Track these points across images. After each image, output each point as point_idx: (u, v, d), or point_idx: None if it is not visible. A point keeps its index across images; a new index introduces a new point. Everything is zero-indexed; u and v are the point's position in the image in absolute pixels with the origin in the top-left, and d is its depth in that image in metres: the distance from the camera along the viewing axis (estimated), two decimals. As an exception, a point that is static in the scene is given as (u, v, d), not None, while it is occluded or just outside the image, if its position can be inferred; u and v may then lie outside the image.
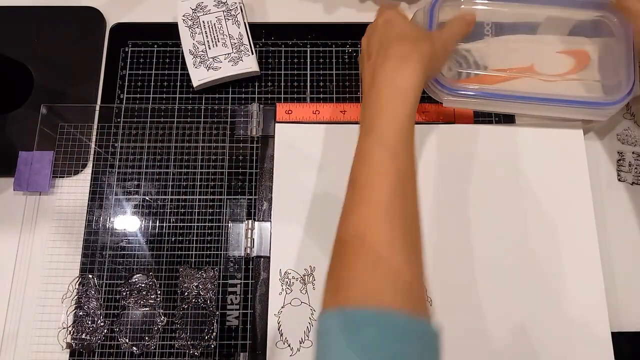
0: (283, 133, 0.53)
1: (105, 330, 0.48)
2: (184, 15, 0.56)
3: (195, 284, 0.49)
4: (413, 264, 0.36)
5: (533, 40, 0.50)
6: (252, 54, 0.55)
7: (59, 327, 0.48)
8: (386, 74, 0.42)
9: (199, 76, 0.54)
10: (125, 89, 0.56)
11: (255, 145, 0.53)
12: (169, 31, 0.57)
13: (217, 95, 0.55)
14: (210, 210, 0.51)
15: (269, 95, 0.55)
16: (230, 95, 0.55)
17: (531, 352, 0.46)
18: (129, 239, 0.51)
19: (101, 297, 0.49)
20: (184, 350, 0.47)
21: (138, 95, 0.55)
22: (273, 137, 0.53)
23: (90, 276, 0.49)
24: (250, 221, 0.51)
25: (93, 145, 0.54)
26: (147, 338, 0.48)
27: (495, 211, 0.50)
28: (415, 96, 0.41)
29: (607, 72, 0.48)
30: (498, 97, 0.48)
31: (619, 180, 0.52)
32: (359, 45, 0.57)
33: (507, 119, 0.53)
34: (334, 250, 0.38)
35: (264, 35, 0.58)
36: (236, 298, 0.49)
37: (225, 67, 0.54)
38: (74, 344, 0.47)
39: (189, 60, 0.54)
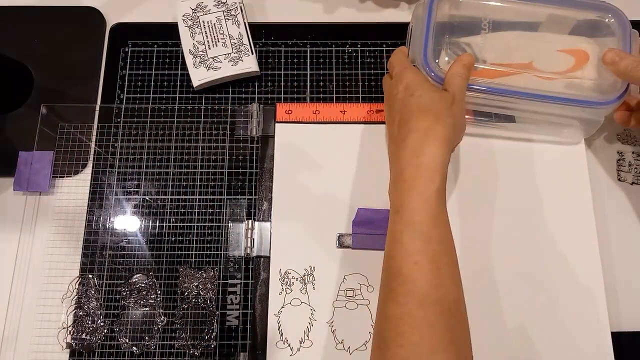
0: (283, 133, 0.53)
1: (105, 330, 0.48)
2: (184, 15, 0.56)
3: (195, 284, 0.49)
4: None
5: (533, 38, 0.50)
6: (252, 54, 0.55)
7: (59, 327, 0.48)
8: (409, 152, 0.41)
9: (199, 76, 0.54)
10: (125, 89, 0.56)
11: (255, 145, 0.53)
12: (169, 31, 0.57)
13: (217, 95, 0.55)
14: (210, 210, 0.51)
15: (269, 95, 0.55)
16: (230, 95, 0.55)
17: (531, 351, 0.46)
18: (129, 239, 0.51)
19: (101, 297, 0.49)
20: (184, 350, 0.47)
21: (138, 95, 0.55)
22: (273, 137, 0.53)
23: (90, 276, 0.49)
24: (250, 221, 0.51)
25: (93, 145, 0.54)
26: (147, 338, 0.48)
27: (495, 211, 0.50)
28: (442, 171, 0.40)
29: (605, 71, 0.48)
30: (495, 91, 0.47)
31: (619, 180, 0.52)
32: (358, 46, 0.57)
33: (507, 118, 0.53)
34: (375, 336, 0.38)
35: (264, 35, 0.58)
36: (236, 298, 0.49)
37: (225, 67, 0.54)
38: (74, 344, 0.47)
39: (189, 60, 0.54)
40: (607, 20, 0.49)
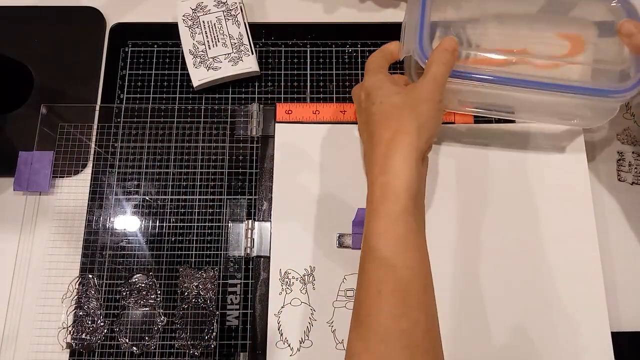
0: (283, 133, 0.53)
1: (105, 330, 0.48)
2: (184, 15, 0.56)
3: (195, 284, 0.49)
4: None
5: (528, 22, 0.48)
6: (252, 54, 0.55)
7: (59, 327, 0.48)
8: (376, 168, 0.38)
9: (199, 76, 0.54)
10: (125, 89, 0.56)
11: (255, 145, 0.53)
12: (169, 31, 0.57)
13: (217, 95, 0.55)
14: (210, 210, 0.51)
15: (269, 95, 0.55)
16: (230, 95, 0.55)
17: (531, 351, 0.46)
18: (129, 239, 0.51)
19: (101, 297, 0.49)
20: (184, 350, 0.47)
21: (138, 95, 0.55)
22: (273, 137, 0.53)
23: (90, 276, 0.49)
24: (250, 221, 0.51)
25: (93, 145, 0.54)
26: (147, 338, 0.48)
27: (495, 211, 0.50)
28: (409, 188, 0.37)
29: (603, 55, 0.45)
30: (493, 80, 0.43)
31: (619, 180, 0.52)
32: (358, 46, 0.57)
33: (507, 119, 0.53)
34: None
35: (264, 35, 0.58)
36: (236, 298, 0.49)
37: (225, 67, 0.54)
38: (74, 344, 0.47)
39: (189, 60, 0.54)
40: (612, 5, 0.46)
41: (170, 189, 0.52)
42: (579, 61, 0.46)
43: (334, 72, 0.56)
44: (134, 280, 0.49)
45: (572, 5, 0.48)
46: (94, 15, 0.58)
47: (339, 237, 0.50)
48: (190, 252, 0.50)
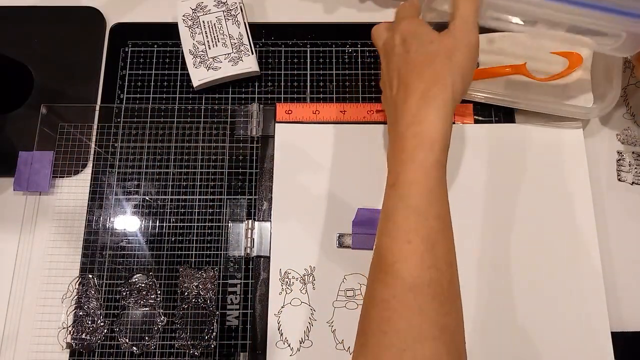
0: (283, 133, 0.53)
1: (105, 330, 0.48)
2: (184, 15, 0.56)
3: (195, 284, 0.49)
4: (444, 351, 0.33)
5: (527, 39, 0.49)
6: (252, 54, 0.55)
7: (59, 327, 0.48)
8: (408, 117, 0.38)
9: (199, 76, 0.54)
10: (125, 89, 0.56)
11: (255, 145, 0.53)
12: (169, 31, 0.57)
13: (217, 95, 0.55)
14: (210, 210, 0.51)
15: (269, 95, 0.55)
16: (230, 95, 0.55)
17: (531, 351, 0.46)
18: (129, 239, 0.51)
19: (101, 297, 0.49)
20: (184, 350, 0.47)
21: (138, 95, 0.55)
22: (273, 137, 0.53)
23: (90, 276, 0.49)
24: (250, 221, 0.51)
25: (93, 145, 0.54)
26: (147, 338, 0.48)
27: (495, 211, 0.50)
28: (442, 140, 0.37)
29: (598, 73, 0.46)
30: None
31: (619, 180, 0.52)
32: (358, 46, 0.57)
33: (507, 118, 0.53)
34: (360, 320, 0.36)
35: (264, 35, 0.58)
36: (236, 298, 0.49)
37: (225, 67, 0.54)
38: (74, 344, 0.47)
39: (189, 60, 0.54)
40: (607, 21, 0.48)
41: (170, 189, 0.52)
42: (571, 78, 0.47)
43: (334, 72, 0.56)
44: (134, 280, 0.49)
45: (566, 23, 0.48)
46: (94, 15, 0.58)
47: (339, 237, 0.50)
48: (190, 252, 0.50)
